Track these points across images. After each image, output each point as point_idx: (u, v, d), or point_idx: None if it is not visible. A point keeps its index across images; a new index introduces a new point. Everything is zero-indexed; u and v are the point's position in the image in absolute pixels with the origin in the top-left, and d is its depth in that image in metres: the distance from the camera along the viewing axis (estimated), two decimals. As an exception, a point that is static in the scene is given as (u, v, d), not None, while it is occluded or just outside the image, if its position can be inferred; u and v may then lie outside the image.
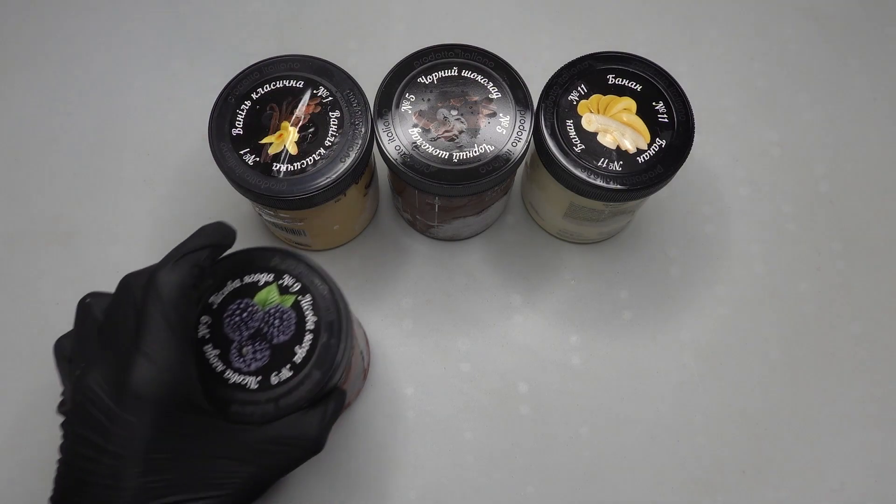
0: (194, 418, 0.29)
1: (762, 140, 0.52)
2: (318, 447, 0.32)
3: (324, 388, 0.33)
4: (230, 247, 0.32)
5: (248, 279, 0.34)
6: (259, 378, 0.32)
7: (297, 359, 0.33)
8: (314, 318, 0.33)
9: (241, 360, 0.33)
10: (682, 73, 0.52)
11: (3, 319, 0.47)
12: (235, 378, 0.32)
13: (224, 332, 0.33)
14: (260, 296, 0.34)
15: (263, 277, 0.34)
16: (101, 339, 0.30)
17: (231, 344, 0.33)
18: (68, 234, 0.49)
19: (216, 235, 0.32)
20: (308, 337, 0.33)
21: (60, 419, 0.30)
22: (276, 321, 0.33)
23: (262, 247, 0.35)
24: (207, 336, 0.33)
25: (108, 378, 0.28)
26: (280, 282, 0.34)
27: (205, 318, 0.33)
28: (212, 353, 0.33)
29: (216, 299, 0.34)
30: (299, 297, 0.34)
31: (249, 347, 0.33)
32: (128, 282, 0.31)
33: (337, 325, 0.33)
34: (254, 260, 0.34)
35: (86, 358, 0.30)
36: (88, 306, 0.32)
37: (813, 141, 0.52)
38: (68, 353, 0.32)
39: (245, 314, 0.33)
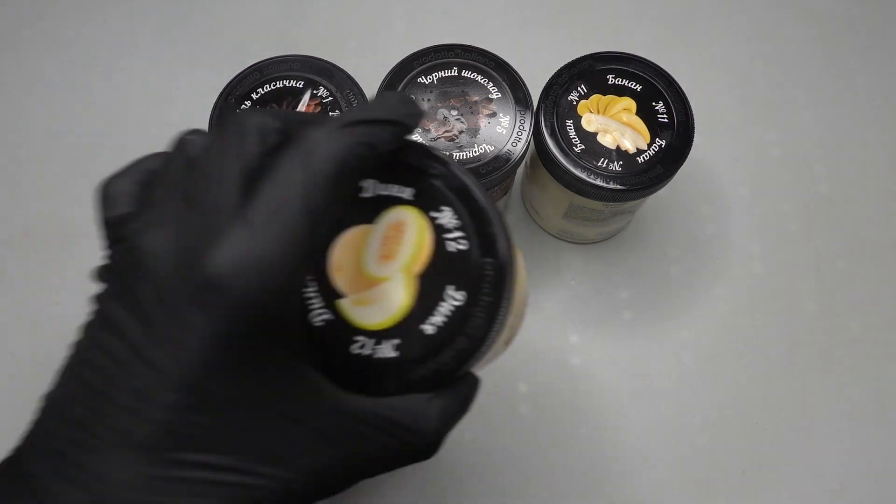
0: (283, 356, 0.20)
1: (762, 140, 0.52)
2: (431, 449, 0.23)
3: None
4: (412, 132, 0.23)
5: None
6: None
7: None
8: None
9: None
10: (682, 73, 0.52)
11: (2, 319, 0.47)
12: None
13: None
14: None
15: None
16: (184, 191, 0.20)
17: None
18: (68, 234, 0.49)
19: (402, 110, 0.22)
20: None
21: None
22: None
23: None
24: None
25: (178, 244, 0.18)
26: None
27: None
28: None
29: None
30: None
31: None
32: (245, 119, 0.20)
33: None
34: None
35: (154, 208, 0.20)
36: (186, 142, 0.22)
37: (812, 141, 0.52)
38: (122, 196, 0.22)
39: None
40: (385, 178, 0.24)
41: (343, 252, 0.24)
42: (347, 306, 0.23)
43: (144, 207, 0.20)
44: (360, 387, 0.23)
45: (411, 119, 0.22)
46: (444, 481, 0.43)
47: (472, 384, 0.24)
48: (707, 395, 0.46)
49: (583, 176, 0.39)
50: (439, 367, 0.23)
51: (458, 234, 0.23)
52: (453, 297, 0.23)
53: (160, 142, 0.52)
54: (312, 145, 0.19)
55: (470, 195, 0.23)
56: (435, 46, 0.41)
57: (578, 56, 0.42)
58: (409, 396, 0.23)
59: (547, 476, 0.44)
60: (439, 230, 0.23)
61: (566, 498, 0.43)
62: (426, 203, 0.24)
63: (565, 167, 0.39)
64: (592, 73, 0.41)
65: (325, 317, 0.23)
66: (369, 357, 0.23)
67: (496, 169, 0.38)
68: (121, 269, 0.19)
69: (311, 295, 0.24)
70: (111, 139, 0.51)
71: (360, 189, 0.24)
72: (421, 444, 0.22)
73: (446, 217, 0.23)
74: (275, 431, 0.20)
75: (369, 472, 0.22)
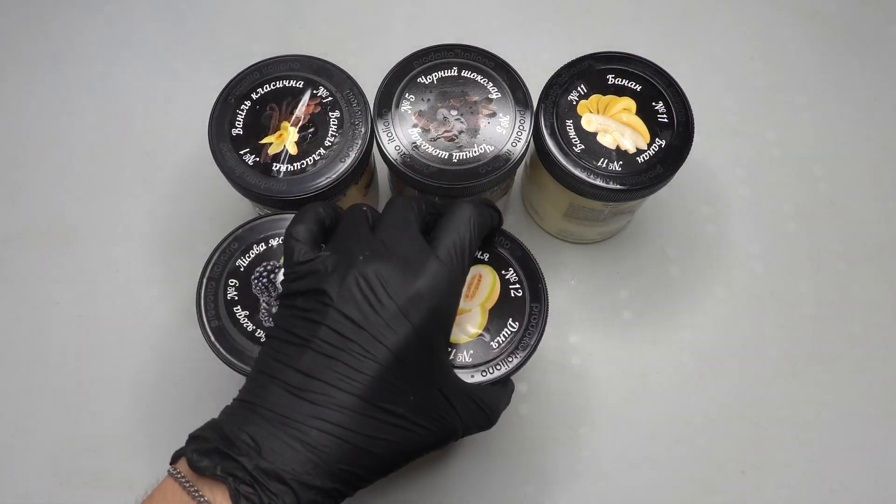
0: (442, 344, 0.31)
1: (762, 140, 0.52)
2: (493, 422, 0.33)
3: None
4: (497, 228, 0.36)
5: (272, 242, 0.36)
6: None
7: None
8: None
9: (270, 319, 0.35)
10: (682, 73, 0.52)
11: (3, 319, 0.47)
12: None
13: (252, 293, 0.35)
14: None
15: None
16: (381, 241, 0.31)
17: (260, 305, 0.35)
18: (68, 234, 0.49)
19: (497, 210, 0.36)
20: None
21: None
22: None
23: (283, 212, 0.37)
24: (236, 298, 0.35)
25: (393, 272, 0.29)
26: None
27: (232, 281, 0.35)
28: (241, 313, 0.35)
29: (243, 262, 0.36)
30: None
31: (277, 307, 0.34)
32: (407, 202, 0.32)
33: None
34: (277, 225, 0.36)
35: (370, 249, 0.30)
36: (366, 213, 0.33)
37: (813, 141, 0.52)
38: (304, 238, 0.32)
39: (272, 275, 0.35)
40: None
41: None
42: None
43: (346, 249, 0.31)
44: None
45: (500, 221, 0.36)
46: (445, 480, 0.43)
47: (512, 385, 0.37)
48: (707, 395, 0.46)
49: (583, 176, 0.39)
50: (497, 370, 0.34)
51: (517, 286, 0.36)
52: (511, 326, 0.35)
53: (160, 141, 0.53)
54: (469, 212, 0.32)
55: (527, 262, 0.36)
56: (435, 46, 0.41)
57: (578, 56, 0.42)
58: (487, 386, 0.34)
59: (547, 475, 0.44)
60: (505, 282, 0.36)
61: (566, 498, 0.43)
62: (498, 264, 0.36)
63: (565, 167, 0.39)
64: (592, 73, 0.41)
65: None
66: (453, 360, 0.34)
67: (496, 169, 0.38)
68: (343, 279, 0.29)
69: None
70: (111, 139, 0.51)
71: None
72: (491, 420, 0.33)
73: (510, 274, 0.36)
74: (430, 396, 0.30)
75: (455, 436, 0.32)
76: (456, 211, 0.32)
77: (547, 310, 0.35)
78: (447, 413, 0.31)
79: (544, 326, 0.35)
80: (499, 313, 0.35)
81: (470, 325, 0.35)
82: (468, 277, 0.35)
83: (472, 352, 0.34)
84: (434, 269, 0.29)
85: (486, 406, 0.33)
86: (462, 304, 0.35)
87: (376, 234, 0.31)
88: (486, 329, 0.35)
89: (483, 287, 0.36)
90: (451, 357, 0.34)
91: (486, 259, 0.36)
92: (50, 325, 0.47)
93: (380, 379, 0.28)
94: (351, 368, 0.28)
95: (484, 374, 0.34)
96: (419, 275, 0.29)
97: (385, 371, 0.28)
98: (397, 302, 0.28)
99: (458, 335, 0.35)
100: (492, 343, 0.34)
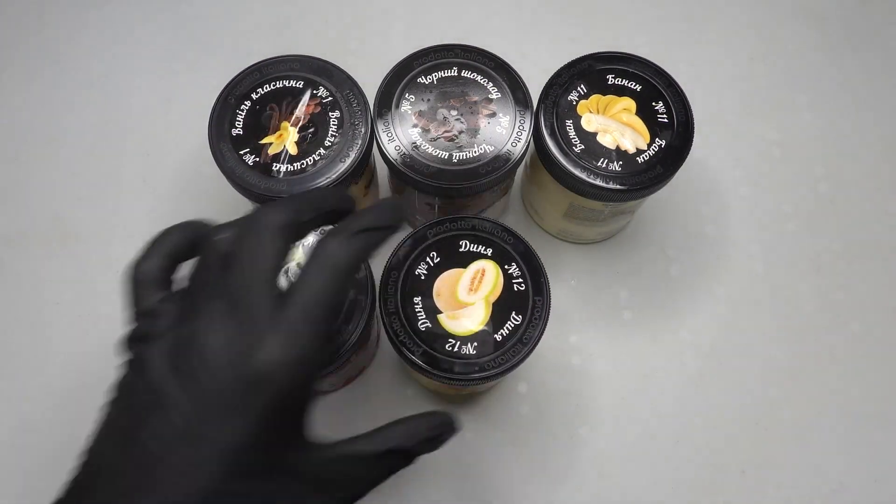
0: (302, 424, 0.25)
1: (762, 140, 0.52)
2: (403, 466, 0.28)
3: (352, 343, 0.36)
4: (398, 231, 0.28)
5: None
6: None
7: None
8: None
9: None
10: (682, 73, 0.52)
11: (3, 319, 0.47)
12: None
13: None
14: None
15: None
16: (224, 289, 0.24)
17: None
18: (68, 234, 0.49)
19: (396, 217, 0.27)
20: None
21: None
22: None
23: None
24: None
25: (232, 346, 0.23)
26: (304, 242, 0.37)
27: None
28: None
29: None
30: None
31: None
32: (264, 222, 0.25)
33: (364, 281, 0.37)
34: None
35: (208, 309, 0.24)
36: (216, 243, 0.25)
37: (813, 141, 0.52)
38: (152, 278, 0.26)
39: None
40: (475, 240, 0.37)
41: (442, 284, 0.36)
42: (444, 319, 0.35)
43: (188, 305, 0.24)
44: (450, 372, 0.34)
45: (400, 224, 0.27)
46: (444, 480, 0.43)
47: (443, 418, 0.29)
48: (707, 394, 0.46)
49: (582, 176, 0.39)
50: (501, 362, 0.35)
51: (519, 279, 0.36)
52: (514, 319, 0.35)
53: (160, 141, 0.53)
54: (329, 258, 0.24)
55: (529, 257, 0.37)
56: (435, 46, 0.41)
57: (578, 56, 0.42)
58: (372, 434, 0.28)
59: (547, 476, 0.44)
60: (508, 276, 0.36)
61: (567, 498, 0.43)
62: (501, 258, 0.36)
63: (565, 167, 0.39)
64: (592, 73, 0.41)
65: (427, 325, 0.35)
66: (457, 353, 0.35)
67: (496, 169, 0.38)
68: (174, 351, 0.23)
69: (418, 310, 0.35)
70: (111, 139, 0.51)
71: (459, 245, 0.36)
72: (386, 471, 0.28)
73: (513, 269, 0.36)
74: (283, 487, 0.24)
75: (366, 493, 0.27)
76: (315, 256, 0.25)
77: (549, 303, 0.36)
78: (309, 498, 0.25)
79: (547, 319, 0.35)
80: (502, 307, 0.35)
81: (474, 318, 0.35)
82: (472, 272, 0.36)
83: (475, 345, 0.35)
84: (280, 342, 0.23)
85: (365, 460, 0.27)
86: (466, 297, 0.36)
87: (226, 281, 0.24)
88: (490, 322, 0.35)
89: (487, 281, 0.36)
90: (456, 350, 0.35)
91: (489, 254, 0.37)
92: (50, 325, 0.47)
93: (214, 489, 0.22)
94: (178, 479, 0.22)
95: (486, 365, 0.34)
96: (261, 349, 0.22)
97: (221, 477, 0.22)
98: (234, 386, 0.22)
99: (461, 327, 0.35)
100: (495, 336, 0.35)
